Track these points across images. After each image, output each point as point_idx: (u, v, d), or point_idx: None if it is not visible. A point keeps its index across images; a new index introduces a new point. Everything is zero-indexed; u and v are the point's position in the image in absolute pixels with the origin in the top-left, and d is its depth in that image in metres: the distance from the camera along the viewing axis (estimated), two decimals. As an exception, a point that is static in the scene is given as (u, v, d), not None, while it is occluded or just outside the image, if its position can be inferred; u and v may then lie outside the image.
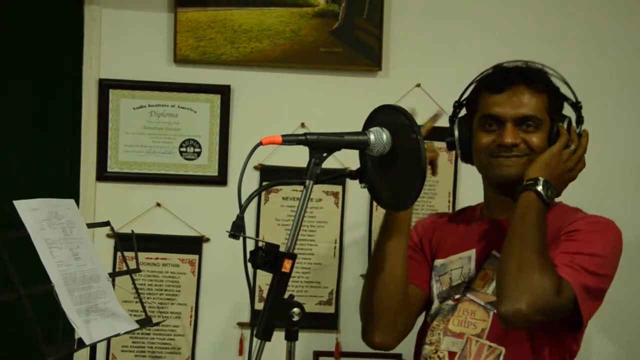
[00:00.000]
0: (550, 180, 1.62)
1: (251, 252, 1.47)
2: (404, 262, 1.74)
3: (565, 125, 1.70)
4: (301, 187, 1.49)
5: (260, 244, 1.47)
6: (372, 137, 1.55)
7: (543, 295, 1.50)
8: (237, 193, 1.46)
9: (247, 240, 1.47)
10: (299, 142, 1.51)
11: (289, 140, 1.50)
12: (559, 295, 1.51)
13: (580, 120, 1.74)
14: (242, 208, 1.44)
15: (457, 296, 1.74)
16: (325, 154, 1.52)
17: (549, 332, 1.63)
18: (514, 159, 1.68)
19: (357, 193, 2.59)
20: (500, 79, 1.71)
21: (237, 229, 1.43)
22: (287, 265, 1.44)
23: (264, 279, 2.53)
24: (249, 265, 1.48)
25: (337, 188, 2.62)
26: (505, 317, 1.54)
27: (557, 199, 1.71)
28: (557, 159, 1.64)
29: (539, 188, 1.60)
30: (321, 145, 1.51)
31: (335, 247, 2.63)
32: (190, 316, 2.59)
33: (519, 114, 1.68)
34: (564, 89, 1.78)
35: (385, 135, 1.56)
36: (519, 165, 1.68)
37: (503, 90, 1.69)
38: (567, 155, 1.66)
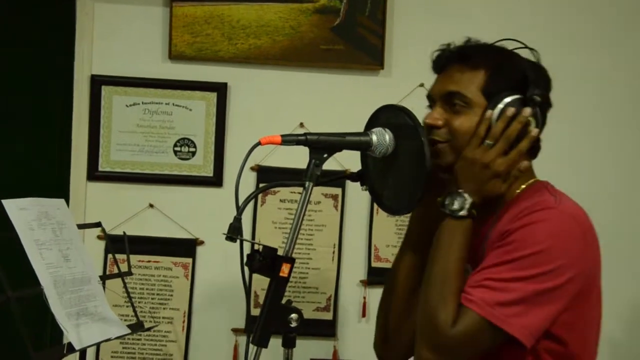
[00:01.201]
0: (464, 187, 1.51)
1: (248, 255, 1.47)
2: (408, 277, 1.67)
3: (499, 108, 1.52)
4: (299, 189, 1.49)
5: (257, 247, 1.47)
6: (374, 137, 1.56)
7: (435, 333, 1.44)
8: (233, 194, 1.46)
9: (244, 243, 1.47)
10: (298, 143, 1.51)
11: (288, 140, 1.50)
12: (454, 327, 1.42)
13: (531, 100, 1.53)
14: (240, 210, 1.45)
15: None
16: (325, 155, 1.52)
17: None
18: (440, 145, 1.56)
19: (357, 196, 2.59)
20: (439, 59, 1.63)
21: (234, 231, 1.43)
22: (285, 269, 1.45)
23: (260, 283, 2.54)
24: (246, 269, 1.48)
25: (337, 190, 2.63)
26: None
27: (544, 179, 1.61)
28: (465, 163, 1.52)
29: (442, 206, 1.52)
30: (321, 145, 1.52)
31: (334, 252, 2.63)
32: (183, 321, 2.59)
33: (443, 91, 1.57)
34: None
35: (388, 136, 1.56)
36: (442, 153, 1.56)
37: (442, 71, 1.61)
38: (481, 153, 1.51)
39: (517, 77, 1.56)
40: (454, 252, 1.50)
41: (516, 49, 1.62)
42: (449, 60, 1.60)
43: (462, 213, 1.51)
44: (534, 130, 1.54)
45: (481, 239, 1.55)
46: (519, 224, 1.48)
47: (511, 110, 1.52)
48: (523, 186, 1.58)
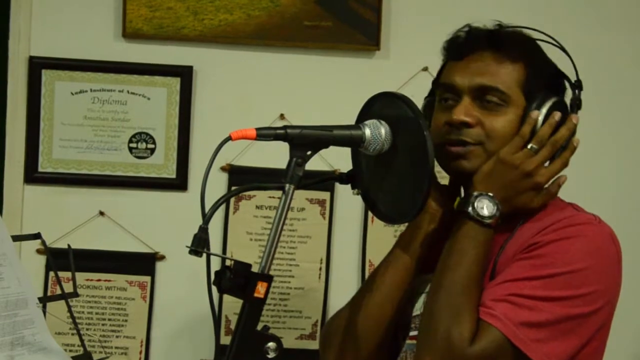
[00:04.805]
0: (495, 192, 1.55)
1: (216, 272, 1.47)
2: (392, 297, 1.67)
3: (544, 111, 1.58)
4: (279, 193, 1.50)
5: (228, 262, 1.48)
6: (367, 132, 1.56)
7: (449, 350, 1.46)
8: (199, 199, 1.46)
9: (213, 258, 1.47)
10: (277, 137, 1.51)
11: (264, 134, 1.51)
12: (473, 345, 1.45)
13: (574, 104, 1.62)
14: (206, 218, 1.45)
15: (413, 333, 1.67)
16: (309, 152, 1.52)
17: None
18: (470, 147, 1.59)
19: (348, 201, 2.60)
20: (464, 42, 1.65)
21: (199, 244, 1.43)
22: (260, 289, 1.45)
23: (233, 307, 2.54)
24: (214, 289, 1.48)
25: (324, 195, 2.64)
26: None
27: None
28: (503, 166, 1.55)
29: (469, 208, 1.54)
30: (304, 141, 1.52)
31: (320, 269, 2.64)
32: (140, 352, 2.59)
33: (475, 83, 1.59)
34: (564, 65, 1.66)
35: (383, 129, 1.57)
36: (472, 156, 1.59)
37: (465, 56, 1.63)
38: (523, 158, 1.55)
39: (552, 75, 1.64)
40: (474, 262, 1.53)
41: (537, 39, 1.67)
42: (477, 45, 1.62)
43: (491, 221, 1.55)
44: (576, 140, 1.60)
45: (493, 252, 1.58)
46: (552, 237, 1.52)
47: (558, 115, 1.58)
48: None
